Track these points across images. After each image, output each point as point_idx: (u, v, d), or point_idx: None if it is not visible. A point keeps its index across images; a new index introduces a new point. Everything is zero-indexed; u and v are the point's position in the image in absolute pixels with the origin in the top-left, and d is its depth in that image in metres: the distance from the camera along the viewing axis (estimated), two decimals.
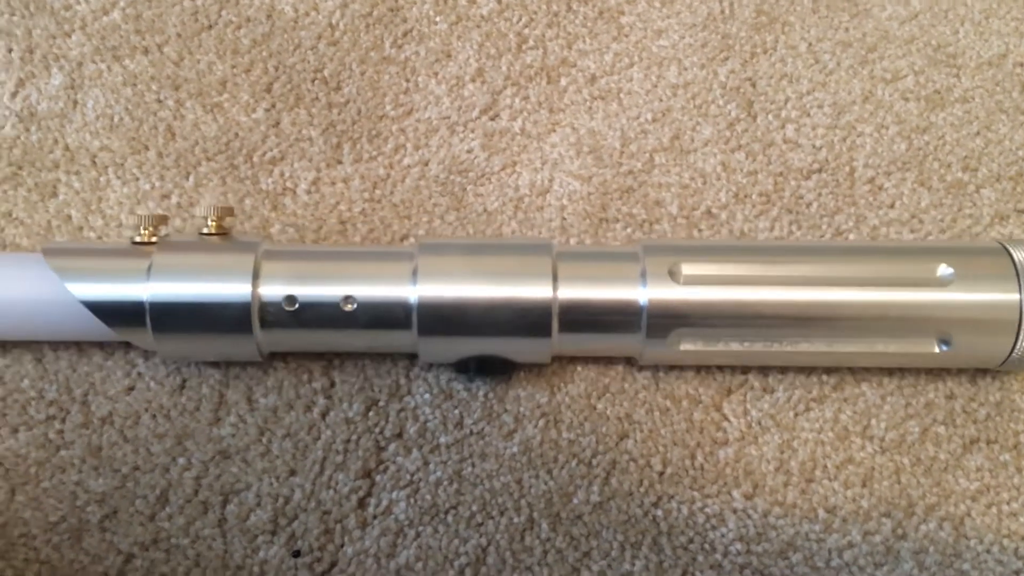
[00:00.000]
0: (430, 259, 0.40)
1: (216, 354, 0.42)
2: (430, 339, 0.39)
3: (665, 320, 0.39)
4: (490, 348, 0.40)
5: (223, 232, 0.41)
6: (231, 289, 0.39)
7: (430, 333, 0.39)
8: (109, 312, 0.39)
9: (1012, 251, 0.40)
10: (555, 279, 0.39)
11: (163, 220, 0.42)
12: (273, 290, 0.39)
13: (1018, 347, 0.39)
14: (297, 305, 0.39)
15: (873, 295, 0.39)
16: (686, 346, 0.40)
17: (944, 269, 0.39)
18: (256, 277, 0.39)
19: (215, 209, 0.41)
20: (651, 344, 0.40)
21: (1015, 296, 0.39)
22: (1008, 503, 0.41)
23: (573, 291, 0.39)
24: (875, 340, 0.40)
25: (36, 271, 0.40)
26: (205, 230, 0.41)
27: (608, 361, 0.43)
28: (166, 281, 0.39)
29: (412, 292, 0.39)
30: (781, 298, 0.39)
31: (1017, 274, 0.39)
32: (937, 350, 0.40)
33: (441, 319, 0.39)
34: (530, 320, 0.39)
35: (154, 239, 0.41)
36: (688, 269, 0.39)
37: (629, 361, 0.43)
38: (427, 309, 0.39)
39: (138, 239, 0.41)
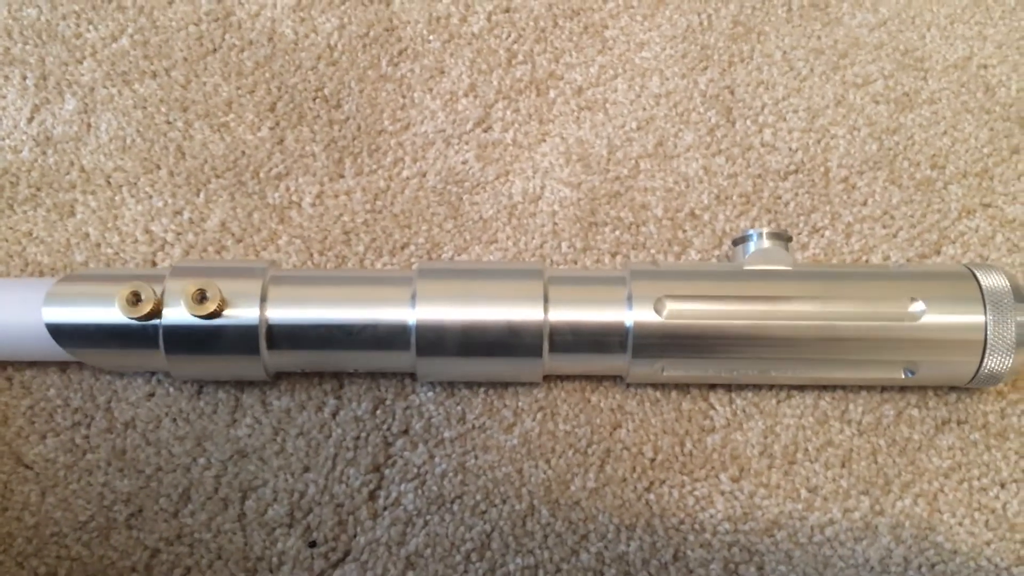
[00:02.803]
0: (428, 283, 0.42)
1: (226, 375, 0.44)
2: (427, 359, 0.42)
3: (650, 342, 0.41)
4: (484, 368, 0.43)
5: (214, 314, 0.41)
6: (240, 314, 0.41)
7: (427, 354, 0.42)
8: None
9: (978, 274, 0.42)
10: (546, 302, 0.41)
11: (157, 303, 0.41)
12: (279, 314, 0.41)
13: (984, 367, 0.41)
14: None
15: (845, 328, 0.41)
16: (668, 367, 0.42)
17: (917, 305, 0.41)
18: (263, 300, 0.41)
19: (192, 298, 0.40)
20: (636, 364, 0.42)
21: (980, 318, 0.41)
22: (978, 479, 0.43)
23: (563, 314, 0.41)
24: (844, 368, 0.42)
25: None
26: (196, 313, 0.40)
27: None
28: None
29: (411, 315, 0.41)
30: (757, 326, 0.41)
31: (982, 297, 0.41)
32: (903, 376, 0.42)
33: (438, 341, 0.41)
34: (522, 341, 0.41)
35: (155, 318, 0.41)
36: (671, 300, 0.41)
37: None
38: (425, 331, 0.41)
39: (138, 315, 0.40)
